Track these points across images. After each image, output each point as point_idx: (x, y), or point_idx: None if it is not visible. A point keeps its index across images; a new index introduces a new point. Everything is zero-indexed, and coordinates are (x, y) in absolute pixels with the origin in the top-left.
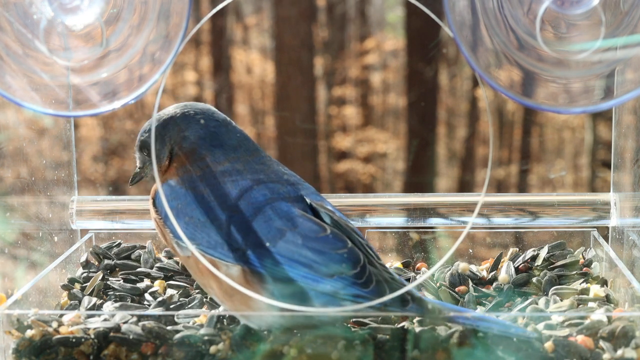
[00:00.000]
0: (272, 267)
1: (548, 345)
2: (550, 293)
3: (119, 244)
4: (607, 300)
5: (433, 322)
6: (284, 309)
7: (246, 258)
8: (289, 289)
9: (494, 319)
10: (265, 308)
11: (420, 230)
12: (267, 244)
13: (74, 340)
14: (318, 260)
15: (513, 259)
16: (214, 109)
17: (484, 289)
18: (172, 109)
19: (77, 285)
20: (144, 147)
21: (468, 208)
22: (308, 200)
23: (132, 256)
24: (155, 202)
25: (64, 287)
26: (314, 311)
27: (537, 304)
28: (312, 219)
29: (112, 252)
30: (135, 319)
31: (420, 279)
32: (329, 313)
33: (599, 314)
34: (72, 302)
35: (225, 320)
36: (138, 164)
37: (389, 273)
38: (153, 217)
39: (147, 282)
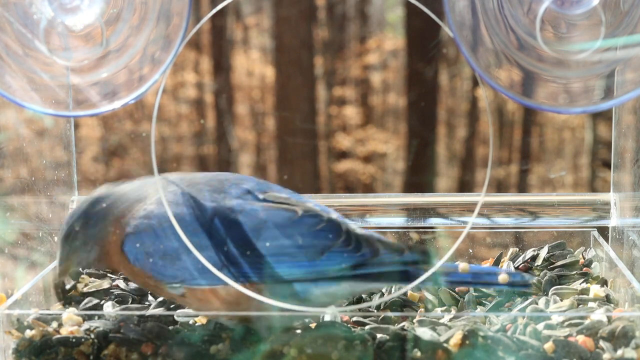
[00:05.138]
0: (262, 272)
1: (548, 345)
2: (550, 293)
3: None
4: (607, 300)
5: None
6: (285, 310)
7: (233, 273)
8: (285, 289)
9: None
10: (271, 309)
11: (420, 230)
12: (248, 252)
13: (74, 340)
14: (303, 244)
15: (513, 259)
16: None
17: (484, 289)
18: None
19: (78, 287)
20: (73, 239)
21: (468, 208)
22: (260, 195)
23: None
24: (130, 260)
25: (64, 290)
26: (318, 311)
27: (537, 304)
28: (279, 207)
29: None
30: (135, 319)
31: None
32: (324, 313)
33: (599, 314)
34: (72, 301)
35: None
36: (58, 265)
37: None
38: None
39: None
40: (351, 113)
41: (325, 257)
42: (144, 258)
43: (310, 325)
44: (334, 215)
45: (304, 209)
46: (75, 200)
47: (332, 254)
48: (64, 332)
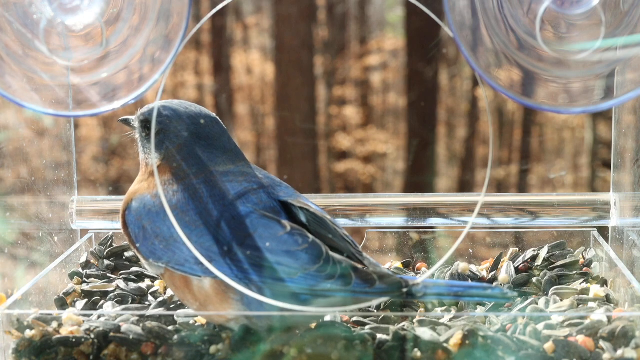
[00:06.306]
0: (239, 275)
1: (548, 345)
2: (550, 293)
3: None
4: (607, 300)
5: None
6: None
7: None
8: (262, 293)
9: (467, 284)
10: (238, 318)
11: (420, 230)
12: (231, 253)
13: (74, 340)
14: (281, 261)
15: (513, 259)
16: (208, 113)
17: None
18: (179, 107)
19: (78, 288)
20: (146, 126)
21: (468, 208)
22: (281, 198)
23: (126, 255)
24: (126, 219)
25: (63, 295)
26: (311, 311)
27: (537, 304)
28: (272, 218)
29: (106, 252)
30: (135, 319)
31: (420, 279)
32: (323, 313)
33: (599, 314)
34: (75, 299)
35: None
36: (132, 122)
37: (365, 260)
38: (125, 235)
39: (147, 282)
40: (351, 113)
41: (298, 277)
42: (140, 229)
43: (310, 325)
44: (340, 233)
45: (293, 228)
46: (76, 200)
47: (306, 276)
48: (64, 332)
